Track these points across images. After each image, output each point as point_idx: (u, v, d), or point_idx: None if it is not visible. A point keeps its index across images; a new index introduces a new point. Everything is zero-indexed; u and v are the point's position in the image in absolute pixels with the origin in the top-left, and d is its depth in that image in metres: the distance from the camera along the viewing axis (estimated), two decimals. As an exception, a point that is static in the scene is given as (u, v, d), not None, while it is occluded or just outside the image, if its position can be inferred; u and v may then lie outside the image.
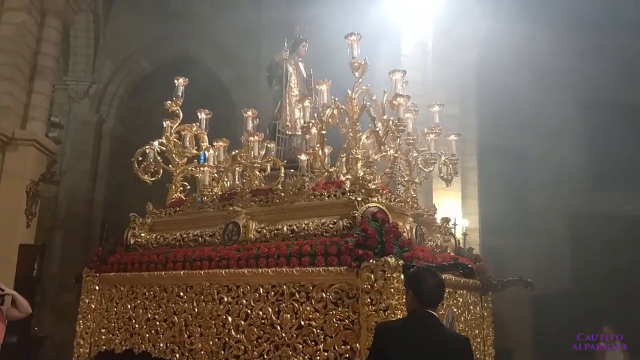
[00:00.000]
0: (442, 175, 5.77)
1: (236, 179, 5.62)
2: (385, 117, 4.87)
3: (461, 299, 5.06)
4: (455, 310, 4.86)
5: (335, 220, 4.43)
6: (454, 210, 9.51)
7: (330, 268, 4.03)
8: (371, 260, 3.83)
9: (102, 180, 13.03)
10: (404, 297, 3.48)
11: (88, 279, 5.83)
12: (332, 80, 4.89)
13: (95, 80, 13.11)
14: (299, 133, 5.97)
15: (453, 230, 6.63)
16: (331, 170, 5.16)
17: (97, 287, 5.74)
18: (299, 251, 4.23)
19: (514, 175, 10.58)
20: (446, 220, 5.85)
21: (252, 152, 5.21)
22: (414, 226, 4.87)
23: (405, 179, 5.47)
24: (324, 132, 4.68)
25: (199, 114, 6.16)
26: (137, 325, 5.23)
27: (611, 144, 10.50)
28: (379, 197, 4.44)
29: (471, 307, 5.32)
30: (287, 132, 5.90)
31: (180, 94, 6.19)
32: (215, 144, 5.52)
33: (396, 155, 5.01)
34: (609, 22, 10.12)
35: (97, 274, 5.75)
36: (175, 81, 6.21)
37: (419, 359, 2.75)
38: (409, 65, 10.08)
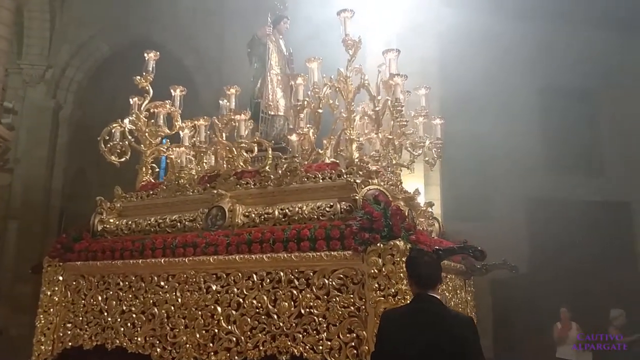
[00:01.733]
0: (427, 159, 5.62)
1: (219, 161, 5.17)
2: (379, 97, 4.59)
3: (451, 284, 4.93)
4: (447, 294, 4.71)
5: (332, 204, 4.17)
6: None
7: (333, 253, 3.77)
8: (378, 244, 3.58)
9: (60, 168, 12.24)
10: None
11: (50, 269, 5.24)
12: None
13: (51, 65, 12.26)
14: (282, 113, 5.60)
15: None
16: (321, 152, 4.85)
17: (60, 278, 5.16)
18: (297, 236, 3.93)
19: (475, 161, 10.62)
20: (430, 204, 5.73)
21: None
22: (406, 210, 4.66)
23: (394, 162, 5.24)
24: (320, 110, 4.34)
25: (172, 90, 5.65)
26: (109, 319, 4.73)
27: (567, 130, 10.76)
28: (377, 179, 4.19)
29: (458, 292, 5.20)
30: (270, 112, 5.50)
31: (150, 69, 5.65)
32: (196, 122, 5.05)
33: (390, 137, 4.76)
34: (565, 13, 10.29)
35: (61, 263, 5.18)
36: (145, 55, 5.67)
37: (425, 343, 2.64)
38: (373, 52, 9.90)
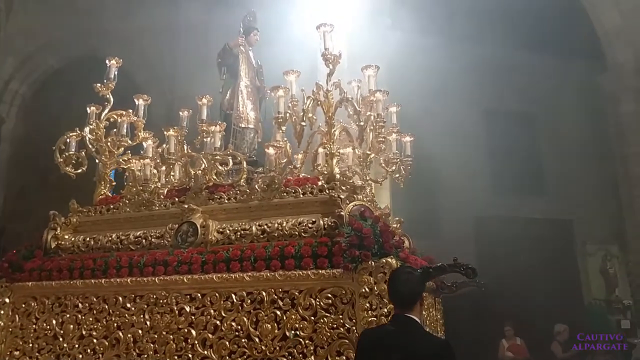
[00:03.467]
0: (397, 175, 5.57)
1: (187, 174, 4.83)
2: (361, 113, 4.47)
3: (425, 302, 4.81)
4: (424, 314, 4.60)
5: (314, 219, 3.96)
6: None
7: (321, 271, 3.55)
8: (370, 262, 3.41)
9: (1, 185, 11.17)
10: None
11: (-7, 291, 4.66)
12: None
13: (-7, 77, 11.30)
14: (252, 126, 5.35)
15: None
16: (298, 166, 4.65)
17: (7, 300, 4.60)
18: (281, 253, 3.68)
19: (423, 181, 10.71)
20: (400, 221, 5.64)
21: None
22: (384, 227, 4.53)
23: (367, 178, 5.13)
24: (303, 124, 4.16)
25: (135, 100, 5.28)
26: (65, 345, 4.24)
27: (512, 151, 11.13)
28: (361, 195, 4.05)
29: (430, 310, 5.12)
30: (240, 124, 5.24)
31: (112, 77, 5.27)
32: (165, 132, 4.70)
33: (369, 152, 4.65)
34: (505, 40, 10.72)
35: (8, 284, 4.62)
36: (107, 62, 5.30)
37: None
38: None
